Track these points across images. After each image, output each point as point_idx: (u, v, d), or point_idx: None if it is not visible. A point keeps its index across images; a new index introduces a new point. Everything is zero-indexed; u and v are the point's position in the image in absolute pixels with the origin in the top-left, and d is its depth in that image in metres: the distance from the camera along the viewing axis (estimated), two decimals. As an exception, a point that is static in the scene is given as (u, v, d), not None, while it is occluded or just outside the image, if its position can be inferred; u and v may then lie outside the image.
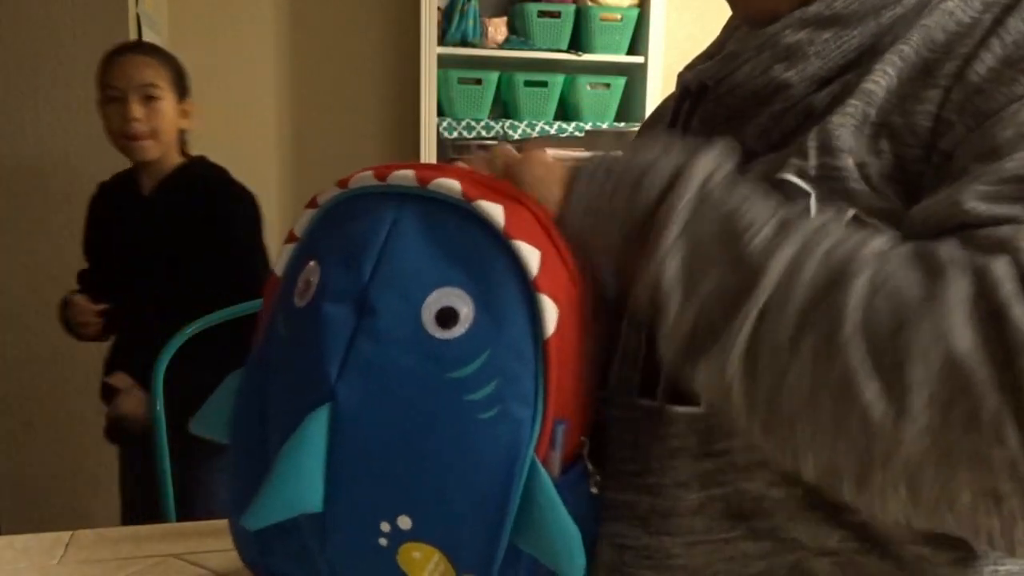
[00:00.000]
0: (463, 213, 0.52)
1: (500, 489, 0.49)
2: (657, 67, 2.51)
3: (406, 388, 0.50)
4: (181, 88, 1.61)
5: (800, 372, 0.42)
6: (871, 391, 0.40)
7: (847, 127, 0.52)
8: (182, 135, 1.64)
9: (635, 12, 2.50)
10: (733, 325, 0.44)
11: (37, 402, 1.94)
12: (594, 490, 0.54)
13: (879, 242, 0.45)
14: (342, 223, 0.56)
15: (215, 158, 1.64)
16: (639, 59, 2.52)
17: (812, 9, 0.55)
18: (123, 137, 1.55)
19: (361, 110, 2.55)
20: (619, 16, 2.49)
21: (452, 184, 0.52)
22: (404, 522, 0.51)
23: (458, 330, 0.50)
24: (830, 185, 0.51)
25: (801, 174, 0.52)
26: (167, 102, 1.57)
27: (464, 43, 2.42)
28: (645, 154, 0.52)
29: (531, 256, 0.50)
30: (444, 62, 2.39)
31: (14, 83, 1.85)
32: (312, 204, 0.59)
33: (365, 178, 0.56)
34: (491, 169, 0.57)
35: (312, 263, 0.56)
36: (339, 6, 2.48)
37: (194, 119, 1.64)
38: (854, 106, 0.52)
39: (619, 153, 0.54)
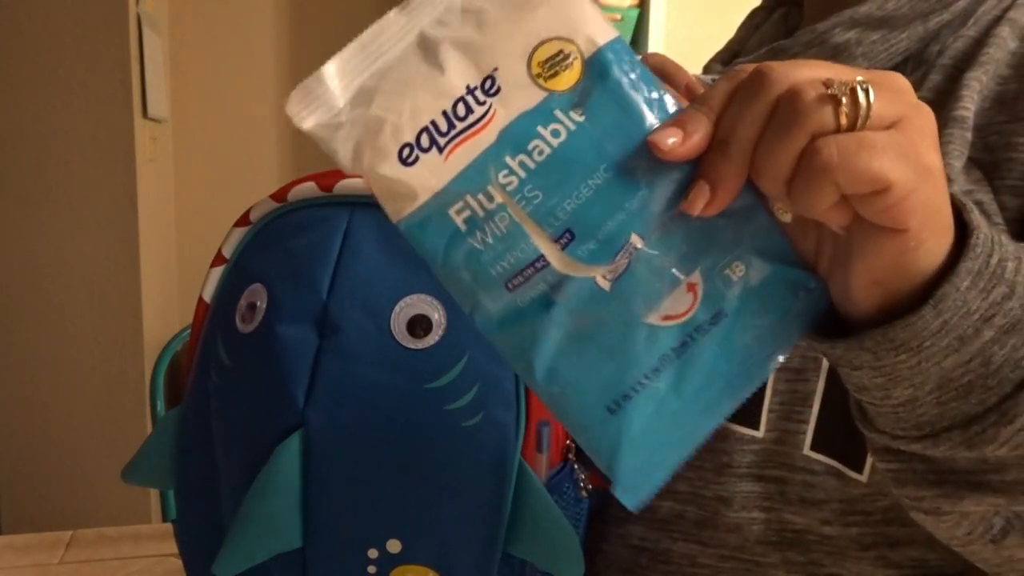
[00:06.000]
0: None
1: (491, 497, 0.48)
2: (657, 67, 2.51)
3: (382, 405, 0.48)
4: None
5: None
6: None
7: (951, 155, 0.49)
8: None
9: (635, 12, 2.44)
10: None
11: (37, 402, 1.88)
12: (584, 494, 0.53)
13: None
14: (283, 239, 0.53)
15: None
16: (639, 59, 2.50)
17: (864, 9, 0.53)
18: None
19: (361, 110, 2.51)
20: (619, 16, 2.43)
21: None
22: (393, 546, 0.48)
23: (432, 338, 0.48)
24: None
25: None
26: None
27: (464, 43, 2.37)
28: None
29: (500, 255, 0.49)
30: (444, 62, 2.33)
31: (14, 83, 1.78)
32: (244, 222, 0.55)
33: (307, 189, 0.53)
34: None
35: (256, 285, 0.52)
36: (339, 6, 2.40)
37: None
38: (950, 135, 0.49)
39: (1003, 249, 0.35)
